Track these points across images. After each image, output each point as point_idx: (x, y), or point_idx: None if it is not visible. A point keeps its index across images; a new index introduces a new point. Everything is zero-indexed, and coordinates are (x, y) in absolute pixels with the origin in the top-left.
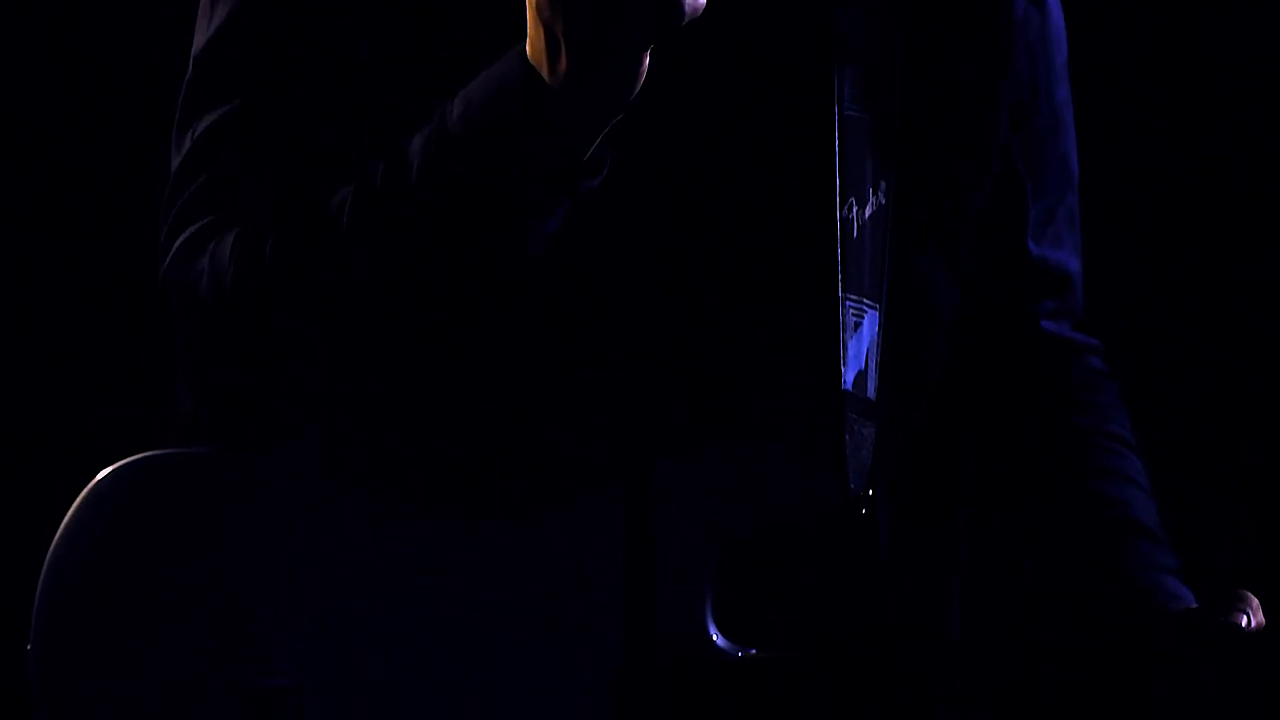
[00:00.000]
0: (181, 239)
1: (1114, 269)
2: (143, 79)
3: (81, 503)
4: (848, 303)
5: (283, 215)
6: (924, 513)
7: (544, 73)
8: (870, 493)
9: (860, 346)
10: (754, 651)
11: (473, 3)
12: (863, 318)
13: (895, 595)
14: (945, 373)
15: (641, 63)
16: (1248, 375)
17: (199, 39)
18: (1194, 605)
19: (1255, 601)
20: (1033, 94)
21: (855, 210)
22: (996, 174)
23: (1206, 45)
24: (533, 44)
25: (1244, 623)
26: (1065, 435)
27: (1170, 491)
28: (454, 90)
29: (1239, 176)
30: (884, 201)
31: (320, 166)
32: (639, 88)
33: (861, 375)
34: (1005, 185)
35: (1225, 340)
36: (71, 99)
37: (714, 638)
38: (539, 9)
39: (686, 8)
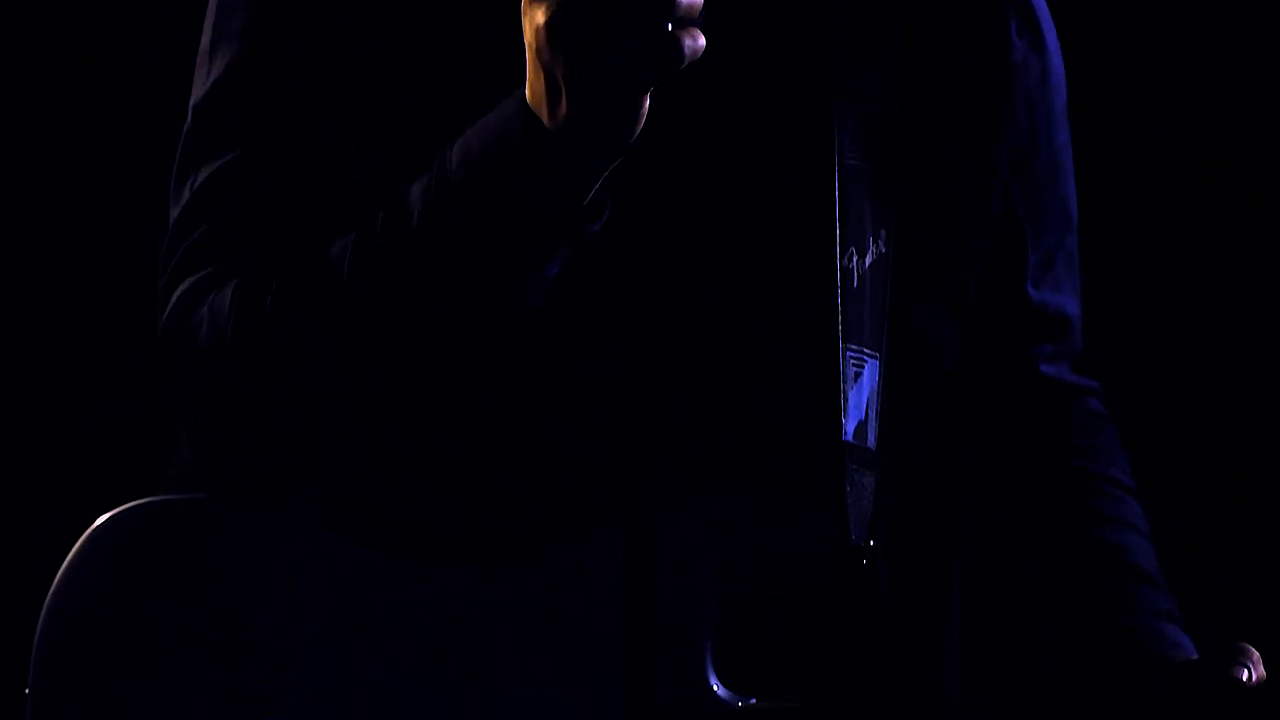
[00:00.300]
0: (181, 289)
1: (1114, 274)
2: (143, 79)
3: (79, 548)
4: (848, 353)
5: (283, 266)
6: (924, 559)
7: (544, 117)
8: (871, 542)
9: (860, 396)
10: (754, 701)
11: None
12: (863, 367)
13: (895, 638)
14: (945, 419)
15: (642, 105)
16: (1248, 381)
17: (198, 89)
18: (1194, 655)
19: (1256, 655)
20: (1032, 139)
21: (855, 259)
22: (996, 219)
23: (1206, 50)
24: (532, 88)
25: (1244, 676)
26: (1065, 479)
27: (1170, 497)
28: (452, 88)
29: (1239, 182)
30: (884, 250)
31: (322, 190)
32: (639, 130)
33: (862, 425)
34: (1004, 230)
35: (1225, 346)
36: (71, 99)
37: (714, 688)
38: (539, 52)
39: (687, 50)
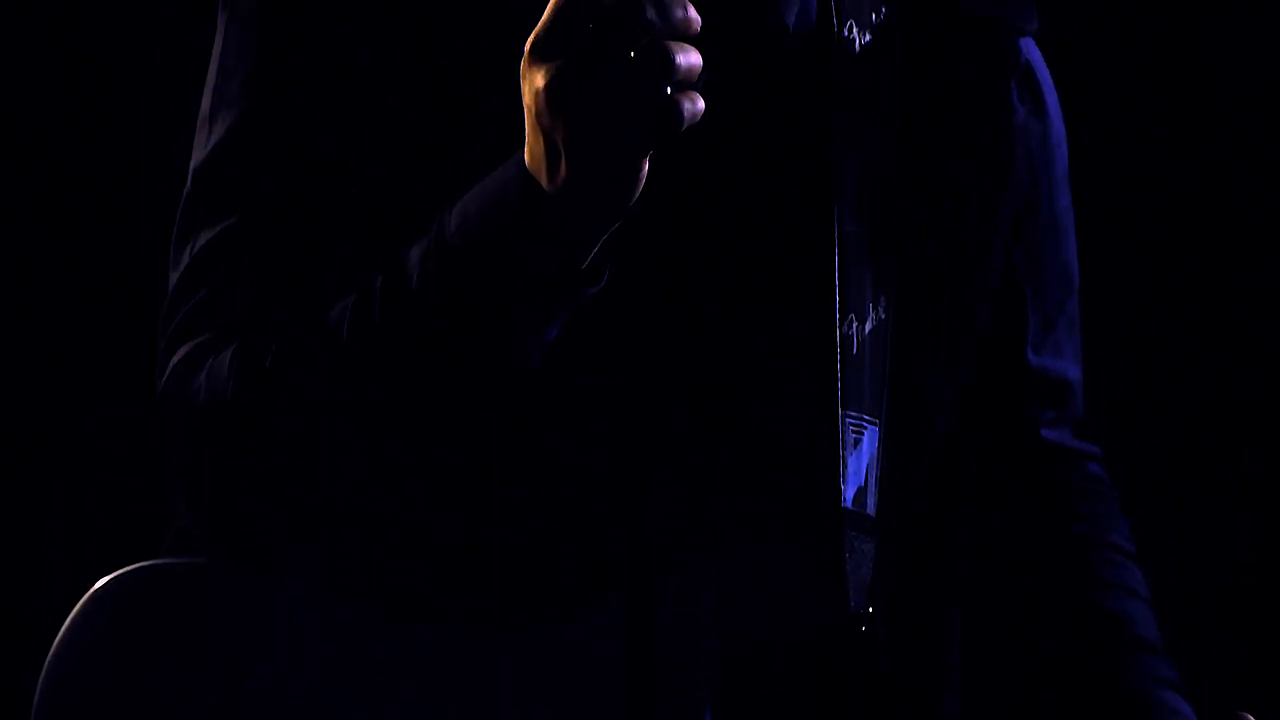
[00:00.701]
0: (180, 353)
1: (1114, 274)
2: (143, 79)
3: (78, 612)
4: (847, 419)
5: (282, 328)
6: (923, 625)
7: (543, 180)
8: (870, 609)
9: (860, 463)
10: None
11: (472, 10)
12: (862, 434)
13: (895, 701)
14: (945, 486)
15: (641, 169)
16: (1248, 381)
17: (197, 154)
18: None
19: None
20: (1033, 204)
21: (855, 326)
22: (996, 285)
23: (1206, 50)
24: (531, 152)
25: None
26: (1065, 545)
27: (1170, 497)
28: (451, 100)
29: (1239, 182)
30: (884, 317)
31: (323, 230)
32: (638, 194)
33: (861, 492)
34: (1005, 295)
35: (1225, 346)
36: (71, 99)
37: None
38: (538, 116)
39: (686, 114)
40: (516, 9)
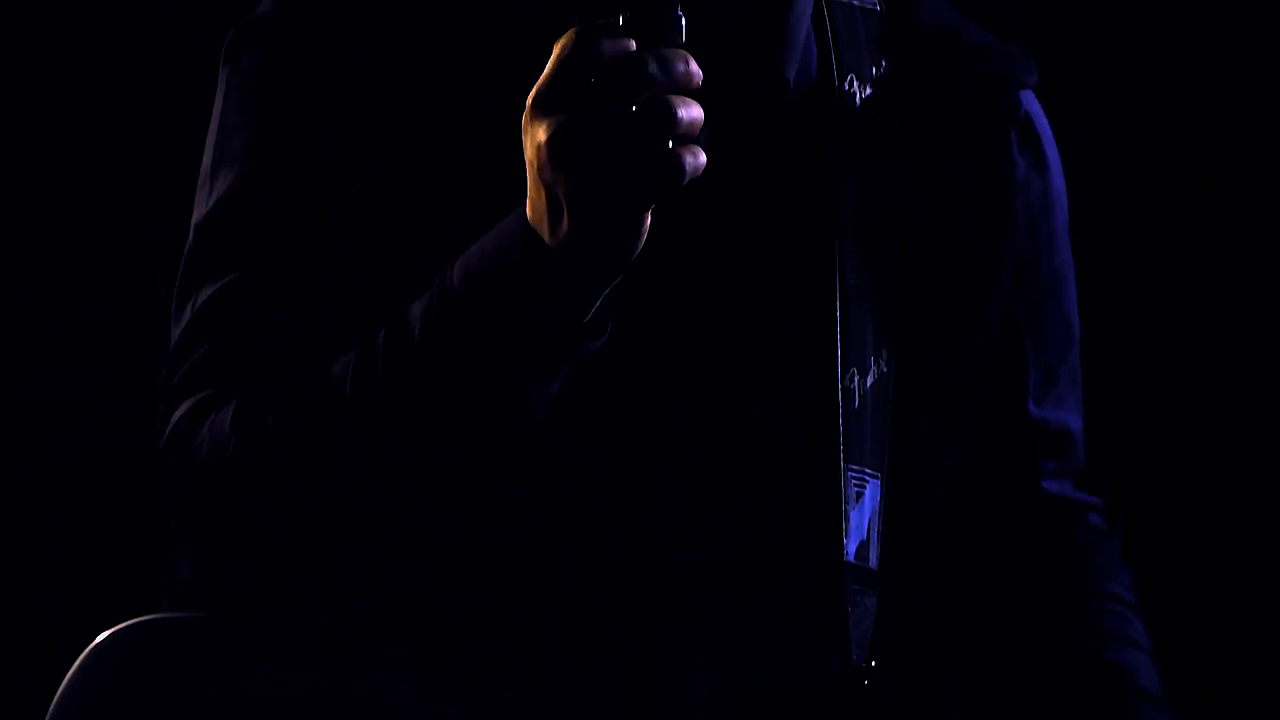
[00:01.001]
0: (182, 410)
1: (1114, 275)
2: (143, 79)
3: (79, 666)
4: (849, 473)
5: (285, 385)
6: (925, 678)
7: (544, 234)
8: (872, 663)
9: (862, 517)
10: None
11: (472, 10)
12: (864, 488)
13: None
14: (947, 538)
15: (643, 223)
16: (1248, 381)
17: (199, 210)
18: None
19: None
20: (1033, 257)
21: (856, 380)
22: (997, 338)
23: (1207, 51)
24: (533, 205)
25: None
26: (1066, 596)
27: (1170, 497)
28: (451, 100)
29: (1239, 182)
30: (885, 370)
31: (326, 264)
32: (640, 248)
33: (864, 545)
34: (1005, 348)
35: (1225, 346)
36: (71, 99)
37: None
38: (540, 170)
39: (688, 168)
40: (516, 9)
